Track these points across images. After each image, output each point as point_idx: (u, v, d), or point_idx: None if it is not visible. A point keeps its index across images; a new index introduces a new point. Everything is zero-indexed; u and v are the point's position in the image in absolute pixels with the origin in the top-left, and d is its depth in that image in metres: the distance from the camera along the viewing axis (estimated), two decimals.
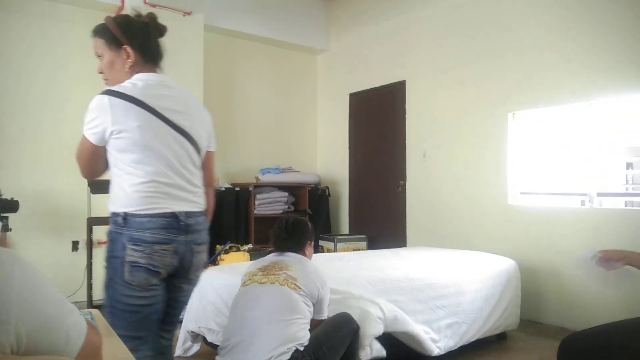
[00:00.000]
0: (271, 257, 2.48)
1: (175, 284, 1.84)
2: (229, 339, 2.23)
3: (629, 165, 3.98)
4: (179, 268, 1.79)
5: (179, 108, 1.81)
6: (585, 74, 3.96)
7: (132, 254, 1.68)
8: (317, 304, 2.33)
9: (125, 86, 1.73)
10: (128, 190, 1.70)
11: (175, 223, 1.73)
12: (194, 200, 1.83)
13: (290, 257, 2.44)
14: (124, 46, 1.79)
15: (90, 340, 0.88)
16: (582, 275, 2.19)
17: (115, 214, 1.72)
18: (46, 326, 0.79)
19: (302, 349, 2.13)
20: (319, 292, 2.33)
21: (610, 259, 1.99)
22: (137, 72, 1.80)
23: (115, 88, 1.72)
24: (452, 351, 3.23)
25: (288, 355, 2.07)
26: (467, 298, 3.31)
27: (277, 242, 2.50)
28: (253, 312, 2.20)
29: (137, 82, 1.76)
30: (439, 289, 3.19)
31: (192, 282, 1.90)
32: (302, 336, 2.17)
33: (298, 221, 2.56)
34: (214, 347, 2.93)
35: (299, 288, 2.25)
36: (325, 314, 2.39)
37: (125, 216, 1.69)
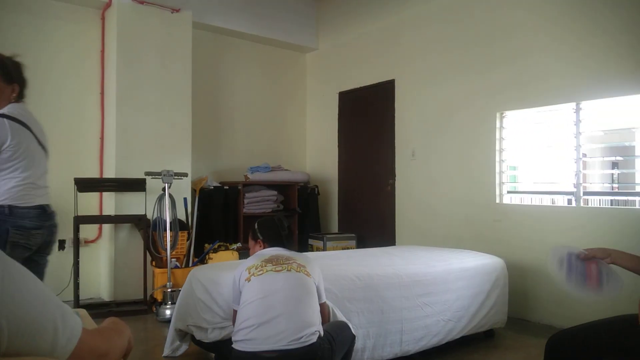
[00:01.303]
0: (270, 251, 2.52)
1: (39, 255, 2.41)
2: (248, 319, 2.23)
3: (615, 165, 4.02)
4: (43, 245, 2.40)
5: (38, 128, 2.42)
6: (573, 75, 4.00)
7: (14, 237, 2.24)
8: (318, 289, 2.45)
9: (14, 112, 2.28)
10: (12, 189, 2.27)
11: (43, 212, 2.37)
12: (49, 195, 2.48)
13: (288, 251, 2.55)
14: (15, 83, 2.33)
15: (87, 344, 0.84)
16: (559, 277, 2.00)
17: (1, 207, 2.26)
18: (29, 326, 0.76)
19: (323, 334, 2.28)
20: (319, 277, 2.48)
21: (595, 257, 2.00)
22: (12, 102, 2.33)
23: (8, 113, 2.26)
24: (439, 347, 3.26)
25: (315, 338, 2.21)
26: (454, 296, 3.34)
27: (280, 237, 2.58)
28: (276, 296, 2.26)
29: (18, 110, 2.31)
30: (427, 286, 3.22)
31: (49, 254, 2.50)
32: (320, 323, 2.32)
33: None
34: (202, 346, 2.92)
35: (310, 275, 2.39)
36: (324, 298, 2.51)
37: (10, 208, 2.25)
